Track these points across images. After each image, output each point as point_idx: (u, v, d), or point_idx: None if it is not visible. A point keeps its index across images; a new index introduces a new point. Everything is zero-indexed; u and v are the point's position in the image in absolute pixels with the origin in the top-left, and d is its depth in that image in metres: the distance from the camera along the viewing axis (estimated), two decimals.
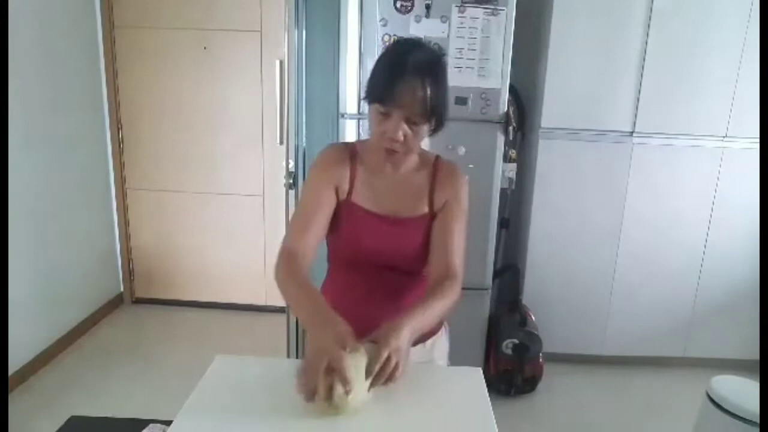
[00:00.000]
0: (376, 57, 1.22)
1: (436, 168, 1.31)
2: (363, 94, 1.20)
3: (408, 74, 1.12)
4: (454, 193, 1.28)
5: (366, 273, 1.29)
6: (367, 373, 0.99)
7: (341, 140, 2.46)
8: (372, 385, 1.00)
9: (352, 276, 1.32)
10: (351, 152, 1.29)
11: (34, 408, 2.42)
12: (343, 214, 1.27)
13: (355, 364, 0.97)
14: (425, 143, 1.28)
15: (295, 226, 1.24)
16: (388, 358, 1.00)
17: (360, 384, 0.98)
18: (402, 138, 1.15)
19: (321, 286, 1.38)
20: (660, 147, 2.71)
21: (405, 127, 1.15)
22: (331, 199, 1.25)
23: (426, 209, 1.28)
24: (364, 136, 2.43)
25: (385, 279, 1.30)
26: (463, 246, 1.28)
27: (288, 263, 1.17)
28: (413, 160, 1.29)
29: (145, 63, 3.19)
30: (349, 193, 1.27)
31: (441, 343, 1.42)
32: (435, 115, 1.16)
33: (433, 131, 1.21)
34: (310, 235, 1.22)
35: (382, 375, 1.00)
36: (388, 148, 1.18)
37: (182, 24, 3.13)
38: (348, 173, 1.27)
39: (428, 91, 1.13)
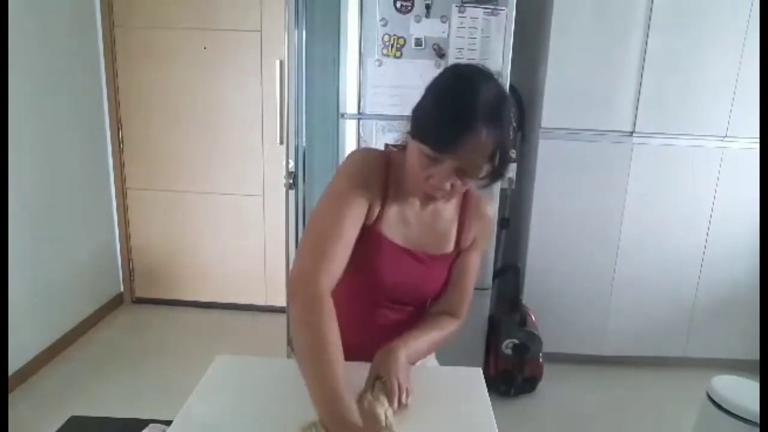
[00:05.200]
0: (428, 81, 0.97)
1: (465, 201, 1.18)
2: (409, 127, 1.00)
3: (473, 122, 0.91)
4: (481, 230, 1.20)
5: (373, 306, 1.19)
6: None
7: (341, 140, 2.45)
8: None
9: (356, 307, 1.17)
10: (386, 168, 1.09)
11: (34, 408, 2.42)
12: (364, 242, 1.07)
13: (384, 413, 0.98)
14: None
15: (321, 247, 1.00)
16: (399, 386, 1.00)
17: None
18: (449, 188, 0.99)
19: None
20: (660, 147, 2.71)
21: (455, 178, 0.98)
22: (361, 217, 1.05)
23: (452, 247, 1.18)
24: (364, 136, 2.43)
25: (393, 313, 1.21)
26: (475, 281, 1.23)
27: (312, 307, 0.95)
28: None
29: (145, 63, 3.19)
30: (377, 218, 1.09)
31: (428, 359, 1.40)
32: (493, 167, 0.98)
33: (487, 184, 1.03)
34: (339, 261, 1.01)
35: (399, 402, 1.00)
36: (428, 193, 1.03)
37: (182, 24, 3.13)
38: (381, 195, 1.08)
39: (493, 143, 0.94)
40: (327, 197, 1.06)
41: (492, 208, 1.24)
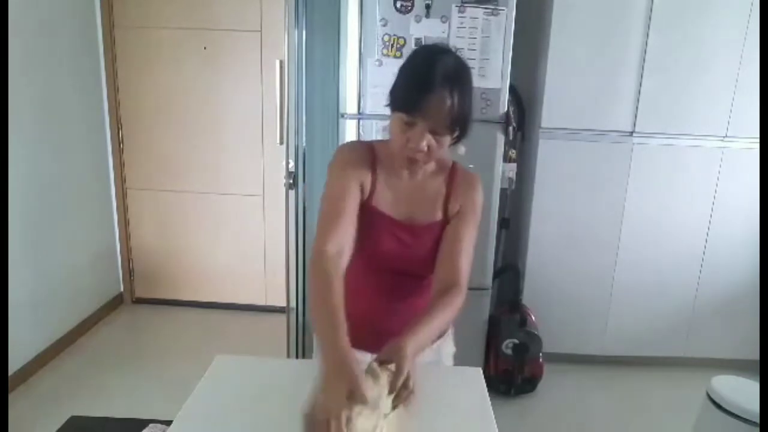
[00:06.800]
0: (390, 59, 1.15)
1: (452, 174, 1.30)
2: (386, 101, 1.18)
3: (435, 85, 1.09)
4: (468, 200, 1.28)
5: (377, 276, 1.29)
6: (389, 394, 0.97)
7: (341, 140, 2.45)
8: (394, 405, 0.98)
9: (362, 278, 1.30)
10: (371, 153, 1.27)
11: (34, 408, 2.42)
12: (362, 217, 1.23)
13: (379, 392, 0.95)
14: None
15: (327, 224, 1.17)
16: (407, 377, 0.98)
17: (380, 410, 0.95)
18: (426, 149, 1.14)
19: None
20: (660, 147, 2.71)
21: (429, 137, 1.13)
22: (357, 193, 1.22)
23: (440, 216, 1.28)
24: (364, 136, 2.43)
25: (395, 282, 1.30)
26: (471, 253, 1.26)
27: (321, 270, 1.10)
28: (430, 165, 1.27)
29: (145, 63, 3.19)
30: (370, 194, 1.25)
31: (447, 345, 1.42)
32: (460, 125, 1.15)
33: (456, 140, 1.19)
34: (344, 231, 1.17)
35: (402, 394, 0.98)
36: (410, 156, 1.17)
37: (182, 24, 3.13)
38: (370, 174, 1.25)
39: (455, 103, 1.11)
40: (326, 185, 1.23)
41: (481, 195, 1.31)
